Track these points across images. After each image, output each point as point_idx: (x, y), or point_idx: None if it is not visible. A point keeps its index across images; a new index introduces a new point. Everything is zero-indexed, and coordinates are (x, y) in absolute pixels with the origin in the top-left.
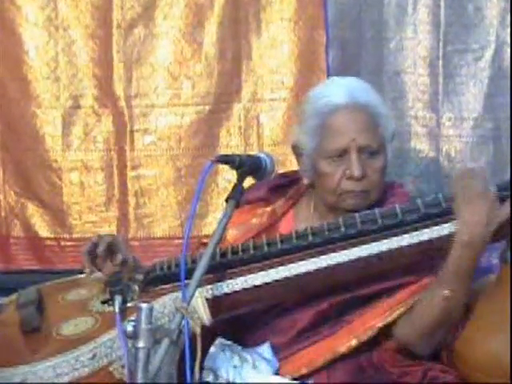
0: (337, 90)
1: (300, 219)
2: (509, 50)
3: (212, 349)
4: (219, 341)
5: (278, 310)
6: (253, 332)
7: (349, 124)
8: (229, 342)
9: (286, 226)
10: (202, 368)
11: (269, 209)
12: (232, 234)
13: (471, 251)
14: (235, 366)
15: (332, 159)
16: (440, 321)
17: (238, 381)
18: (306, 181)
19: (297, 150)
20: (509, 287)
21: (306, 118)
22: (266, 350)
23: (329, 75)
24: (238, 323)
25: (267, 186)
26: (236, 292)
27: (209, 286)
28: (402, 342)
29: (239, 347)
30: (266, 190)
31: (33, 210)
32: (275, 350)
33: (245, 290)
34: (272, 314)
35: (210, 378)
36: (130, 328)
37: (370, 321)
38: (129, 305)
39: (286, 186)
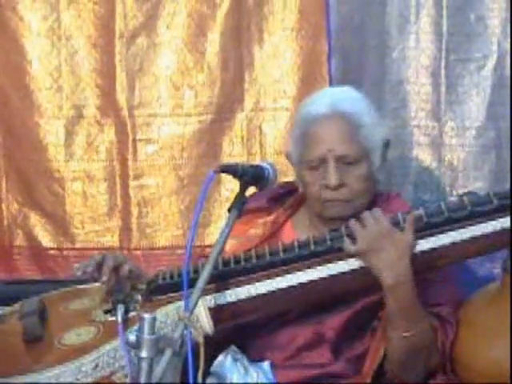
0: (319, 100)
1: (299, 228)
2: (510, 60)
3: (222, 356)
4: (232, 349)
5: (277, 324)
6: (252, 346)
7: (326, 133)
8: (240, 353)
9: (285, 236)
10: (205, 376)
11: (268, 219)
12: (230, 245)
13: (403, 289)
14: (241, 377)
15: (313, 169)
16: (410, 356)
17: None
18: (300, 189)
19: (289, 159)
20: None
21: (294, 127)
22: (267, 367)
23: (331, 84)
24: (239, 335)
25: (266, 196)
26: (239, 301)
27: (211, 296)
28: (391, 376)
29: (247, 361)
30: (264, 200)
31: (35, 220)
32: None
33: (247, 299)
34: (271, 327)
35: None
36: (132, 338)
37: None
38: (131, 314)
39: (284, 195)
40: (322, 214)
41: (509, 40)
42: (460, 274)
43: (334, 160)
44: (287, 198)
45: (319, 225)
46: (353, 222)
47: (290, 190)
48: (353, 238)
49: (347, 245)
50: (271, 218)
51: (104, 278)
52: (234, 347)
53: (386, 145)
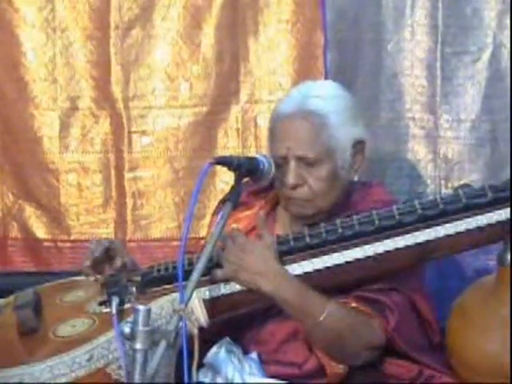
0: (290, 97)
1: (280, 222)
2: (506, 52)
3: (216, 347)
4: (226, 340)
5: (262, 318)
6: (238, 339)
7: (287, 132)
8: (234, 345)
9: (267, 230)
10: (199, 367)
11: (249, 213)
12: None
13: (284, 288)
14: (236, 368)
15: (278, 166)
16: (333, 340)
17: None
18: None
19: None
20: (506, 288)
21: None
22: (255, 359)
23: (326, 77)
24: (229, 328)
25: (247, 191)
26: (233, 293)
27: (206, 288)
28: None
29: (241, 353)
30: (245, 195)
31: (30, 212)
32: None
33: (242, 290)
34: (255, 322)
35: (208, 379)
36: (127, 329)
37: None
38: (126, 306)
39: (265, 189)
40: (287, 211)
41: (506, 32)
42: (454, 267)
43: (293, 159)
44: (269, 192)
45: (294, 219)
46: (216, 250)
47: (271, 184)
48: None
49: (215, 272)
50: (252, 211)
51: (86, 264)
52: (228, 339)
53: (359, 144)
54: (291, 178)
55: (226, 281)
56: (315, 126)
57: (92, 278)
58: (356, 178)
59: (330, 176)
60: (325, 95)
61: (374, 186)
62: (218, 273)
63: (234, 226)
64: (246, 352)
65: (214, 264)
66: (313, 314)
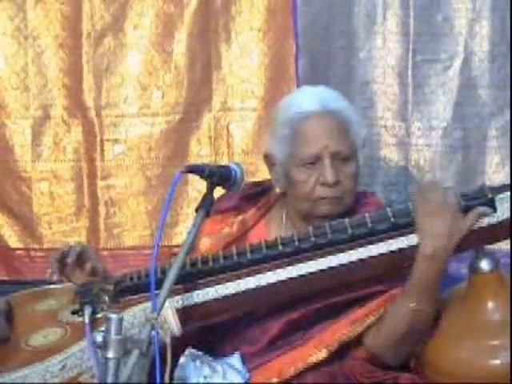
0: (307, 98)
1: (272, 228)
2: (477, 60)
3: (182, 359)
4: (189, 351)
5: (249, 318)
6: (223, 342)
7: (320, 130)
8: (199, 353)
9: (257, 235)
10: (172, 378)
11: (241, 218)
12: (205, 243)
13: (435, 264)
14: (205, 377)
15: (305, 166)
16: (407, 333)
17: None
18: (278, 190)
19: (269, 159)
20: (478, 296)
21: (278, 127)
22: (236, 360)
23: (298, 85)
24: (209, 333)
25: (239, 195)
26: (206, 302)
27: (179, 297)
28: (371, 352)
29: (209, 358)
30: (237, 199)
31: (2, 221)
32: (246, 359)
33: (215, 299)
34: (243, 323)
35: None
36: (99, 338)
37: (341, 330)
38: (99, 315)
39: (257, 194)
40: (311, 212)
41: (478, 41)
42: None
43: (329, 157)
44: (261, 197)
45: (298, 223)
46: (421, 186)
47: (262, 189)
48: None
49: (416, 194)
50: (244, 216)
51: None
52: (191, 349)
53: (364, 144)
54: (331, 175)
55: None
56: (344, 122)
57: (56, 281)
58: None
59: (356, 174)
60: (335, 95)
61: (369, 196)
62: (417, 198)
63: (226, 230)
64: (232, 353)
65: (186, 272)
66: (430, 301)
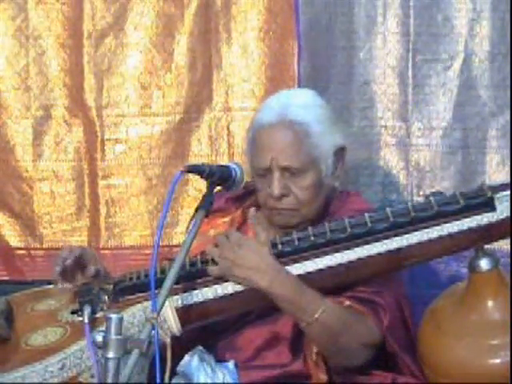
0: (269, 107)
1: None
2: (477, 60)
3: (188, 357)
4: (198, 349)
5: (238, 325)
6: (215, 347)
7: (270, 143)
8: (206, 354)
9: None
10: (172, 375)
11: (227, 219)
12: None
13: (281, 285)
14: (208, 376)
15: (260, 176)
16: (324, 341)
17: None
18: None
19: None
20: (477, 295)
21: (247, 131)
22: (231, 366)
23: (299, 85)
24: (204, 336)
25: (225, 197)
26: (206, 301)
27: (178, 296)
28: (332, 365)
29: (213, 361)
30: (223, 201)
31: (3, 220)
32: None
33: (215, 299)
34: (232, 329)
35: None
36: (99, 338)
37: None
38: (98, 315)
39: (243, 196)
40: (270, 221)
41: (478, 41)
42: (425, 274)
43: (278, 170)
44: (247, 198)
45: (276, 227)
46: (209, 248)
47: (250, 190)
48: (215, 263)
49: (210, 269)
50: (230, 218)
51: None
52: (200, 347)
53: (340, 151)
54: (277, 189)
55: (221, 278)
56: (298, 135)
57: (60, 286)
58: (337, 185)
59: (314, 184)
60: (305, 104)
61: (352, 195)
62: (214, 270)
63: (212, 232)
64: (222, 359)
65: (187, 272)
66: (309, 310)
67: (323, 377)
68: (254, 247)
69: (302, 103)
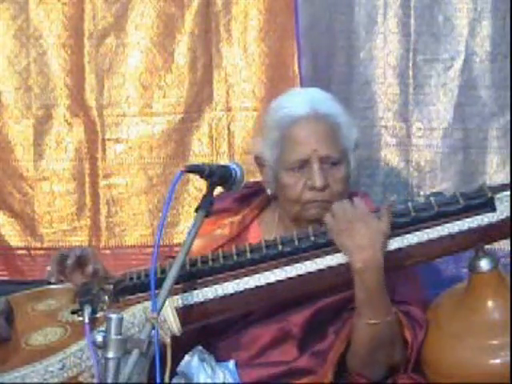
0: (297, 101)
1: (265, 229)
2: (478, 60)
3: (188, 357)
4: (198, 349)
5: (241, 324)
6: (218, 346)
7: (309, 135)
8: (206, 353)
9: (252, 236)
10: (172, 375)
11: (234, 219)
12: (197, 245)
13: (370, 275)
14: (209, 376)
15: (294, 170)
16: (374, 346)
17: None
18: (269, 191)
19: (259, 161)
20: (478, 295)
21: (268, 130)
22: (232, 366)
23: (301, 85)
24: (206, 335)
25: (231, 197)
26: (206, 301)
27: (179, 296)
28: (352, 371)
29: (213, 361)
30: (230, 201)
31: (3, 220)
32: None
33: (215, 299)
34: (234, 328)
35: None
36: (99, 338)
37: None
38: (98, 315)
39: (250, 196)
40: (300, 216)
41: (478, 41)
42: (426, 274)
43: (318, 161)
44: (253, 198)
45: (289, 226)
46: (335, 204)
47: (256, 190)
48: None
49: (327, 217)
50: (237, 218)
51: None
52: (200, 347)
53: (357, 145)
54: (320, 179)
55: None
56: (333, 126)
57: (55, 282)
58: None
59: (346, 177)
60: (327, 98)
61: (361, 196)
62: (330, 220)
63: (219, 232)
64: (223, 359)
65: (186, 272)
66: (382, 311)
67: (330, 376)
68: (372, 228)
69: (324, 97)
